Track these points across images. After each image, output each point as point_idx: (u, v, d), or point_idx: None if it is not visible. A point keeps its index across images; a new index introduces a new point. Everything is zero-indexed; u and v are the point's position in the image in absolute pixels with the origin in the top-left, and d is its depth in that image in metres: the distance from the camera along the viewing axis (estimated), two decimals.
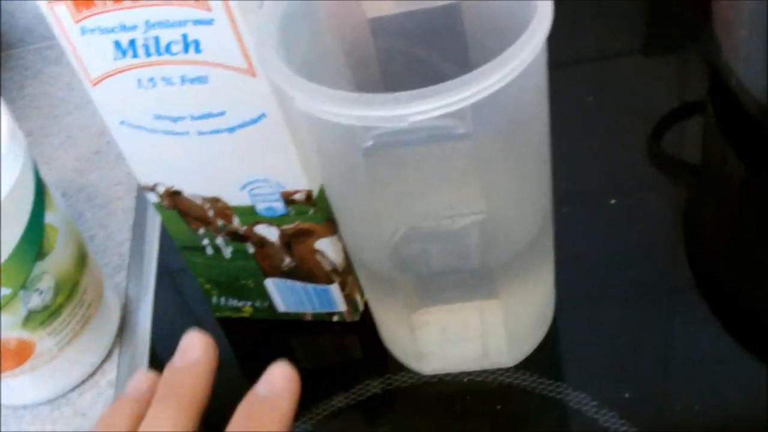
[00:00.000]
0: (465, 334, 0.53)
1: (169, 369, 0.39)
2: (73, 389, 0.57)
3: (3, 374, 0.54)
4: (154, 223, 0.65)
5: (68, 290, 0.54)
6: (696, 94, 0.68)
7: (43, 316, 0.53)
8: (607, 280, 0.57)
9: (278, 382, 0.38)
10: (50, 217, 0.52)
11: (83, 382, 0.57)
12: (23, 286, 0.51)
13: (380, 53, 0.49)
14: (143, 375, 0.40)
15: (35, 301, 0.52)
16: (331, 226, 0.51)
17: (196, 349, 0.39)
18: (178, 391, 0.38)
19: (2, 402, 0.57)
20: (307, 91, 0.38)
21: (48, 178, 0.53)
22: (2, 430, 0.56)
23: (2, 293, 0.51)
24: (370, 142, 0.40)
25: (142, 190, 0.66)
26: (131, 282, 0.62)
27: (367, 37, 0.48)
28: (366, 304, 0.56)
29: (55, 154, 0.73)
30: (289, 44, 0.43)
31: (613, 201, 0.60)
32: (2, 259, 0.50)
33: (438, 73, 0.49)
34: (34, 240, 0.51)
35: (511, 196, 0.47)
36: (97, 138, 0.73)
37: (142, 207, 0.67)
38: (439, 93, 0.37)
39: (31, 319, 0.52)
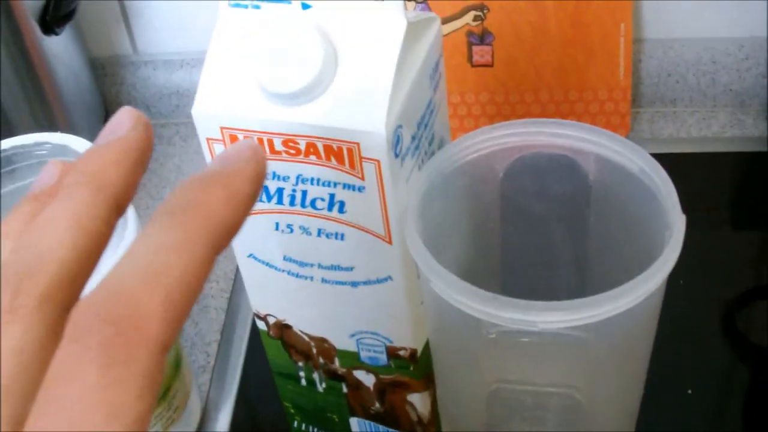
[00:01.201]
0: None
1: (85, 151, 0.26)
2: None
3: None
4: (244, 329, 0.67)
5: (160, 395, 0.55)
6: None
7: None
8: None
9: (241, 153, 0.27)
10: None
11: None
12: None
13: (505, 227, 0.51)
14: (52, 164, 0.28)
15: None
16: (427, 382, 0.52)
17: (124, 124, 0.26)
18: (90, 173, 0.25)
19: None
20: (446, 279, 0.40)
21: None
22: None
23: None
24: (493, 335, 0.41)
25: (236, 293, 0.68)
26: (214, 385, 0.64)
27: (495, 212, 0.50)
28: None
29: None
30: (425, 216, 0.44)
31: (690, 391, 0.61)
32: None
33: (554, 252, 0.51)
34: None
35: (610, 393, 0.48)
36: None
37: (234, 309, 0.69)
38: (571, 308, 0.39)
39: None
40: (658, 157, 0.44)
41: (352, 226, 0.44)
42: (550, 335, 0.42)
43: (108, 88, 0.87)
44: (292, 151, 0.43)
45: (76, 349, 0.22)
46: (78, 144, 0.52)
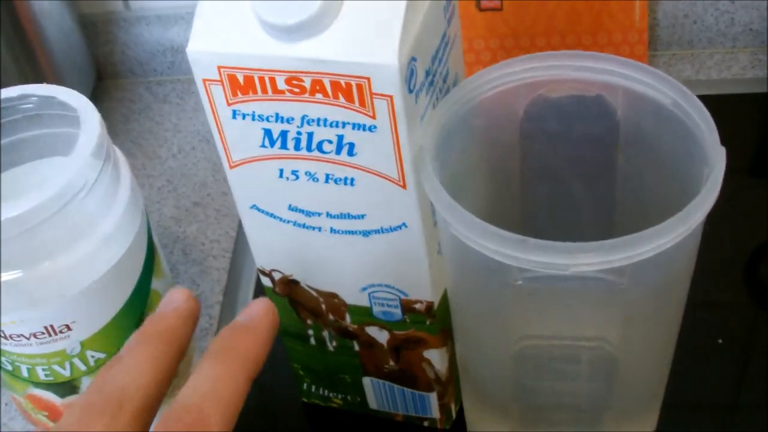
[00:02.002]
0: None
1: (157, 315, 0.35)
2: None
3: None
4: (247, 290, 0.64)
5: None
6: None
7: None
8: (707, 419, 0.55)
9: (258, 310, 0.35)
10: (156, 284, 0.51)
11: None
12: (118, 352, 0.49)
13: (525, 172, 0.47)
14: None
15: None
16: (444, 337, 0.49)
17: (179, 299, 0.35)
18: (162, 330, 0.34)
19: None
20: (468, 223, 0.37)
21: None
22: None
23: (96, 357, 0.49)
24: (520, 282, 0.38)
25: (238, 253, 0.65)
26: None
27: (515, 155, 0.46)
28: (459, 413, 0.54)
29: (154, 197, 0.72)
30: (442, 157, 0.41)
31: (720, 341, 0.58)
32: (103, 324, 0.48)
33: (578, 199, 0.48)
34: (138, 307, 0.50)
35: (646, 345, 0.45)
36: (198, 189, 0.72)
37: (237, 270, 0.66)
38: (605, 249, 0.36)
39: None
40: None
41: (363, 170, 0.41)
42: (582, 282, 0.39)
43: (100, 47, 0.83)
44: (297, 90, 0.39)
45: None
46: (66, 95, 0.49)
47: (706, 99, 0.71)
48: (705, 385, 0.56)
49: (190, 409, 0.31)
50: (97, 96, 0.82)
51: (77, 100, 0.48)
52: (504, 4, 0.73)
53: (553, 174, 0.47)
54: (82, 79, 0.80)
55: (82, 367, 0.49)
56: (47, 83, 0.50)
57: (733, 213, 0.65)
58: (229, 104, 0.41)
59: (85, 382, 0.50)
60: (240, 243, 0.67)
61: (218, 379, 0.32)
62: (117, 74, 0.84)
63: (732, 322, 0.59)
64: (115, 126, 0.79)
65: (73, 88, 0.49)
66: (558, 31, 0.73)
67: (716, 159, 0.38)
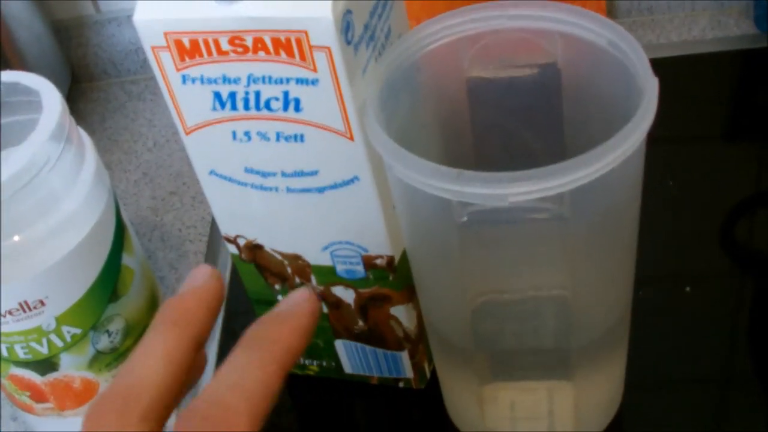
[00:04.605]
0: (533, 412, 0.52)
1: (173, 298, 0.34)
2: None
3: (66, 413, 0.54)
4: (224, 270, 0.65)
5: (138, 333, 0.54)
6: None
7: (110, 358, 0.53)
8: (674, 366, 0.56)
9: (296, 297, 0.34)
10: (127, 260, 0.52)
11: None
12: (93, 327, 0.51)
13: (475, 126, 0.49)
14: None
15: (104, 342, 0.52)
16: (408, 293, 0.50)
17: (201, 276, 0.34)
18: (177, 315, 0.33)
19: None
20: (408, 162, 0.38)
21: (123, 211, 0.53)
22: None
23: (72, 332, 0.50)
24: (465, 218, 0.39)
25: (214, 236, 0.66)
26: None
27: (464, 109, 0.48)
28: (433, 373, 0.56)
29: (131, 190, 0.73)
30: (388, 111, 0.42)
31: (688, 288, 0.59)
32: (76, 299, 0.49)
33: (531, 150, 0.49)
34: (110, 281, 0.51)
35: (597, 281, 0.46)
36: (174, 179, 0.73)
37: (213, 253, 0.67)
38: (541, 176, 0.37)
39: (98, 359, 0.52)
40: None
41: (311, 125, 0.42)
42: (524, 215, 0.40)
43: (74, 50, 0.85)
44: (240, 50, 0.41)
45: None
46: (27, 79, 0.50)
47: (669, 61, 0.73)
48: (682, 343, 0.57)
49: (216, 403, 0.30)
50: (73, 98, 0.84)
51: (39, 83, 0.50)
52: None
53: (502, 124, 0.48)
54: (57, 83, 0.80)
55: (59, 343, 0.50)
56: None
57: (704, 176, 0.66)
58: (178, 70, 0.42)
59: (64, 359, 0.51)
60: (216, 226, 0.68)
61: (247, 369, 0.31)
62: (91, 76, 0.86)
63: (710, 286, 0.60)
64: (92, 125, 0.81)
65: None
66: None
67: (648, 88, 0.39)
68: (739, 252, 0.63)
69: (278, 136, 0.43)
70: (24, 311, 0.48)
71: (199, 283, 0.34)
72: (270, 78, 0.41)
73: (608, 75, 0.43)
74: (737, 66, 0.75)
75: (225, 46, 0.41)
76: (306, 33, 0.39)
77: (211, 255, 0.67)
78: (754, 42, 0.75)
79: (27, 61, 0.77)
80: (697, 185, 0.66)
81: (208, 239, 0.68)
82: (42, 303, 0.48)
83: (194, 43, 0.41)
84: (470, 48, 0.45)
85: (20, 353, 0.51)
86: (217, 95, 0.43)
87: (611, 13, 0.79)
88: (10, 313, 0.48)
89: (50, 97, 0.49)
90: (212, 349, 0.60)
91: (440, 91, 0.47)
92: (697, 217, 0.64)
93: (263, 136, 0.44)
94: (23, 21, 0.77)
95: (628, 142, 0.38)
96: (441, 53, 0.45)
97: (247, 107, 0.43)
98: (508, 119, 0.48)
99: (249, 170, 0.45)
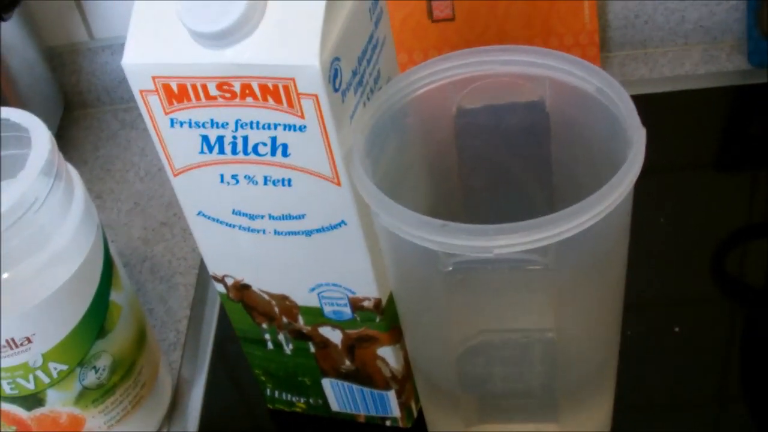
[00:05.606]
0: None
1: None
2: None
3: None
4: (214, 304, 0.65)
5: (124, 370, 0.53)
6: (765, 215, 0.66)
7: (97, 394, 0.53)
8: (663, 397, 0.56)
9: None
10: (115, 296, 0.52)
11: None
12: (80, 363, 0.51)
13: (463, 167, 0.49)
14: None
15: (90, 378, 0.52)
16: (395, 334, 0.50)
17: None
18: None
19: None
20: (393, 212, 0.38)
21: (112, 246, 0.53)
22: None
23: (58, 368, 0.50)
24: (450, 268, 0.39)
25: (204, 269, 0.66)
26: (185, 362, 0.62)
27: (452, 150, 0.48)
28: (420, 412, 0.55)
29: (122, 220, 0.73)
30: (375, 153, 0.43)
31: (677, 329, 0.59)
32: (63, 336, 0.49)
33: (519, 190, 0.49)
34: (97, 318, 0.51)
35: (584, 324, 0.46)
36: (165, 209, 0.73)
37: (203, 285, 0.67)
38: (526, 229, 0.37)
39: (84, 396, 0.52)
40: (632, 99, 0.41)
41: (298, 170, 0.42)
42: (509, 265, 0.40)
43: (67, 77, 0.85)
44: (228, 95, 0.41)
45: None
46: (17, 116, 0.50)
47: (661, 96, 0.73)
48: (671, 378, 0.57)
49: None
50: (65, 126, 0.84)
51: (28, 121, 0.50)
52: (456, 14, 0.75)
53: (490, 167, 0.49)
54: (50, 110, 0.81)
55: (46, 380, 0.50)
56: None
57: (696, 207, 0.66)
58: (166, 113, 0.42)
59: (50, 395, 0.51)
60: None
61: None
62: (84, 103, 0.86)
63: (699, 316, 0.60)
64: (84, 154, 0.81)
65: (41, 119, 0.50)
66: (510, 37, 0.75)
67: (636, 139, 0.40)
68: (730, 283, 0.63)
69: (266, 180, 0.43)
70: (11, 348, 0.48)
71: None
72: (258, 123, 0.41)
73: (596, 120, 0.44)
74: (729, 100, 0.75)
75: (213, 91, 0.41)
76: (293, 80, 0.39)
77: (201, 288, 0.67)
78: (745, 77, 0.76)
79: (20, 88, 0.77)
80: (688, 218, 0.66)
81: (198, 272, 0.68)
82: (29, 340, 0.48)
83: (182, 88, 0.41)
84: (459, 92, 0.46)
85: (6, 389, 0.50)
86: (205, 139, 0.43)
87: (606, 46, 0.79)
88: None
89: (39, 134, 0.49)
90: (202, 375, 0.60)
91: (428, 134, 0.47)
92: (688, 249, 0.64)
93: (251, 180, 0.44)
94: (16, 48, 0.77)
95: (615, 194, 0.38)
96: (430, 97, 0.45)
97: (234, 151, 0.43)
98: (496, 160, 0.49)
99: (237, 212, 0.45)
